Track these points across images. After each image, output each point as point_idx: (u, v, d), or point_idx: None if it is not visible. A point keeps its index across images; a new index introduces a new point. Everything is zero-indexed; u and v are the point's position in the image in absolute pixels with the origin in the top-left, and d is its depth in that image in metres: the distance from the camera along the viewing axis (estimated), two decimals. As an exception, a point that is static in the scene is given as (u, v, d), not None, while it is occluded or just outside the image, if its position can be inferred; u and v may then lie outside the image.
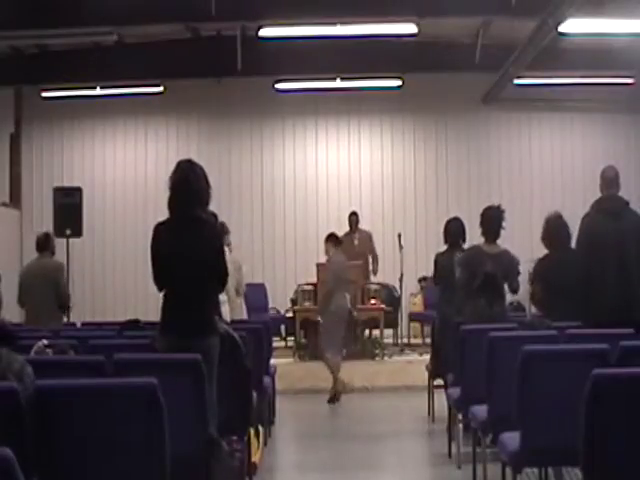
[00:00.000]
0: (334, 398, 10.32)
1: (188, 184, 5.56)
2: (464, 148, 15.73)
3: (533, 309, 13.14)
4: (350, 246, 13.14)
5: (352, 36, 12.05)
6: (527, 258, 11.19)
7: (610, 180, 6.95)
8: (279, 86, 14.44)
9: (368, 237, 13.33)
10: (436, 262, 8.89)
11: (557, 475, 5.73)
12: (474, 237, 8.39)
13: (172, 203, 5.63)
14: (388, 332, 13.37)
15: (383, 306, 12.78)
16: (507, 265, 7.58)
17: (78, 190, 13.53)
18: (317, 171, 15.75)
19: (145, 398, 3.82)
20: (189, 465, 4.64)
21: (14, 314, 11.66)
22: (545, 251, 7.92)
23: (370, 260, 13.16)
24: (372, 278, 13.22)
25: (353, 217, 13.37)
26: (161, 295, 5.68)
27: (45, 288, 8.92)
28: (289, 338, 13.59)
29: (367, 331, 12.79)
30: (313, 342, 12.37)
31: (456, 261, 8.08)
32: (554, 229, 7.79)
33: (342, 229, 13.45)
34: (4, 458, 2.70)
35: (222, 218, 7.92)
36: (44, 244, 9.19)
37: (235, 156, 15.70)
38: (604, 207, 6.90)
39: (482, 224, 7.67)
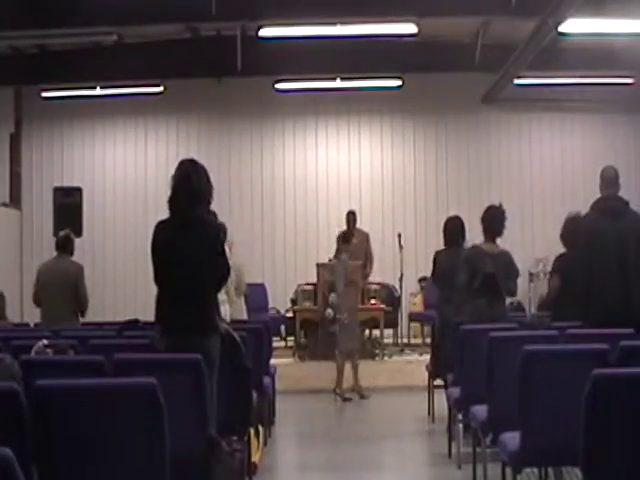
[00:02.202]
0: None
1: (190, 183, 5.57)
2: (464, 148, 15.73)
3: (533, 309, 13.16)
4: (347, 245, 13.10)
5: (352, 36, 12.04)
6: (527, 258, 11.24)
7: (610, 180, 6.94)
8: (279, 86, 14.44)
9: (365, 238, 13.25)
10: (435, 260, 8.89)
11: (557, 475, 5.74)
12: (474, 237, 8.39)
13: (173, 202, 5.63)
14: (388, 332, 13.36)
15: (383, 306, 12.76)
16: (506, 266, 7.58)
17: (78, 190, 13.52)
18: (317, 171, 15.75)
19: (145, 398, 3.82)
20: (189, 465, 4.64)
21: (16, 314, 11.68)
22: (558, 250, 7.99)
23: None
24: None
25: (351, 216, 13.25)
26: (156, 294, 5.69)
27: (63, 289, 8.85)
28: (289, 338, 13.58)
29: (367, 331, 12.78)
30: (313, 342, 12.38)
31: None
32: (572, 229, 7.80)
33: (342, 229, 13.44)
34: (4, 458, 2.70)
35: (222, 218, 7.91)
36: (64, 244, 9.14)
37: (235, 156, 15.70)
38: (604, 207, 6.89)
39: (483, 223, 7.67)
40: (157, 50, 13.83)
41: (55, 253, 9.13)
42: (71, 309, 8.91)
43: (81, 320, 9.28)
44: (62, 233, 9.41)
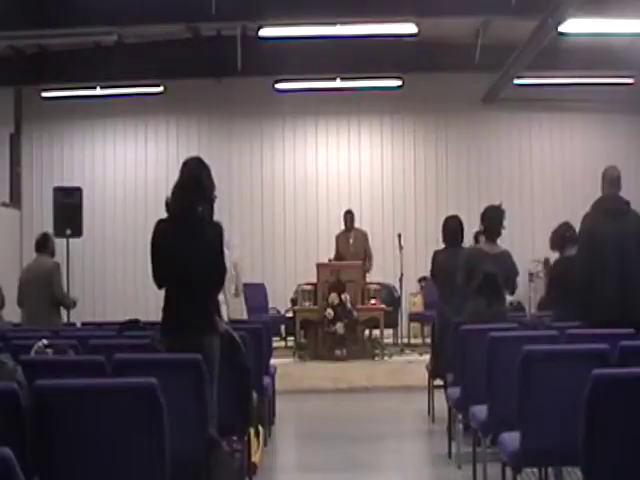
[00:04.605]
0: None
1: (196, 182, 5.57)
2: (464, 148, 15.73)
3: (533, 309, 13.15)
4: (345, 245, 13.10)
5: (352, 36, 12.05)
6: (527, 258, 11.21)
7: (612, 180, 6.93)
8: (279, 86, 14.44)
9: (363, 236, 13.25)
10: (434, 259, 8.88)
11: (557, 475, 5.73)
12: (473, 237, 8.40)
13: (177, 198, 5.62)
14: (388, 332, 13.36)
15: (383, 306, 12.77)
16: (507, 265, 7.58)
17: (78, 190, 13.54)
18: (317, 171, 15.75)
19: (145, 398, 3.82)
20: (189, 465, 4.64)
21: (15, 314, 11.68)
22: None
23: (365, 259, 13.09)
24: (366, 277, 13.17)
25: (348, 215, 13.23)
26: (162, 294, 5.69)
27: (40, 288, 8.93)
28: (289, 338, 13.58)
29: (367, 331, 12.78)
30: (313, 342, 12.39)
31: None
32: (562, 235, 7.83)
33: (341, 229, 13.44)
34: (4, 458, 2.70)
35: (222, 218, 7.90)
36: (42, 244, 9.22)
37: (235, 156, 15.70)
38: (604, 207, 6.89)
39: (483, 223, 7.67)
40: (157, 50, 13.84)
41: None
42: (51, 307, 8.96)
43: (69, 313, 9.33)
44: (39, 234, 9.50)
